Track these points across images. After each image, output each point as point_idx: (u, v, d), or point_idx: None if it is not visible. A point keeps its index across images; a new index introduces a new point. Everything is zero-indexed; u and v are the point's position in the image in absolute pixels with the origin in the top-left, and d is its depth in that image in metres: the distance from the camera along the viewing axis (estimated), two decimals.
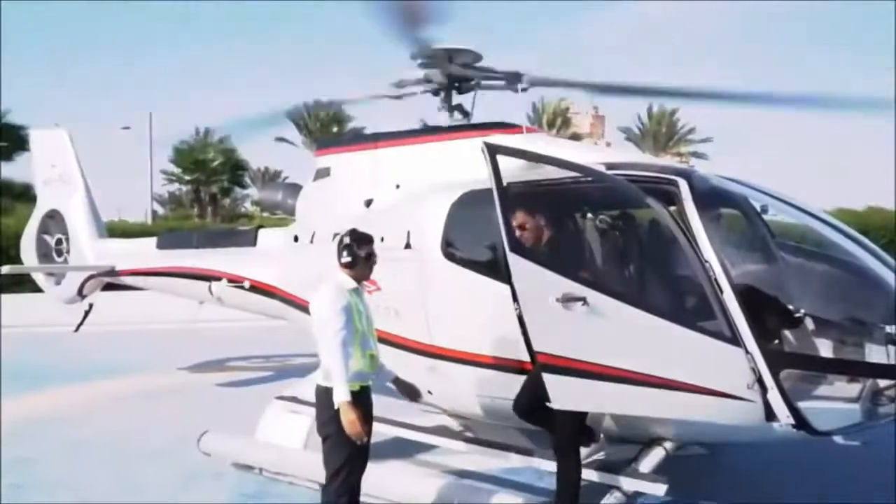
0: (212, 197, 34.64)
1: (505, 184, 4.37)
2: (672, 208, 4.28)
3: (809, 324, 4.22)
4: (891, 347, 3.99)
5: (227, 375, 10.51)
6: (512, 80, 6.18)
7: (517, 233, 3.94)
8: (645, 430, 4.38)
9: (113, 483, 5.81)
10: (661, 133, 47.77)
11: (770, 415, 3.91)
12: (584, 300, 3.59)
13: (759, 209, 4.59)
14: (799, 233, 4.75)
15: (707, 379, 3.81)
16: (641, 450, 4.41)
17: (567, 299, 3.59)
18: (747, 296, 4.01)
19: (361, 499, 4.34)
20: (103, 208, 10.91)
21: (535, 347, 3.56)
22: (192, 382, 10.32)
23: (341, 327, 3.92)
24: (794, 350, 4.18)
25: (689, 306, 4.11)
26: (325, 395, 4.02)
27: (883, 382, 3.97)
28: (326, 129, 34.79)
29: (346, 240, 4.14)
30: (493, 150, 3.87)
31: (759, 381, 3.87)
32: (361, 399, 4.05)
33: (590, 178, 4.33)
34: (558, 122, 46.53)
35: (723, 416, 3.89)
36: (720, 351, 3.84)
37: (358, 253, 4.09)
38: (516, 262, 3.59)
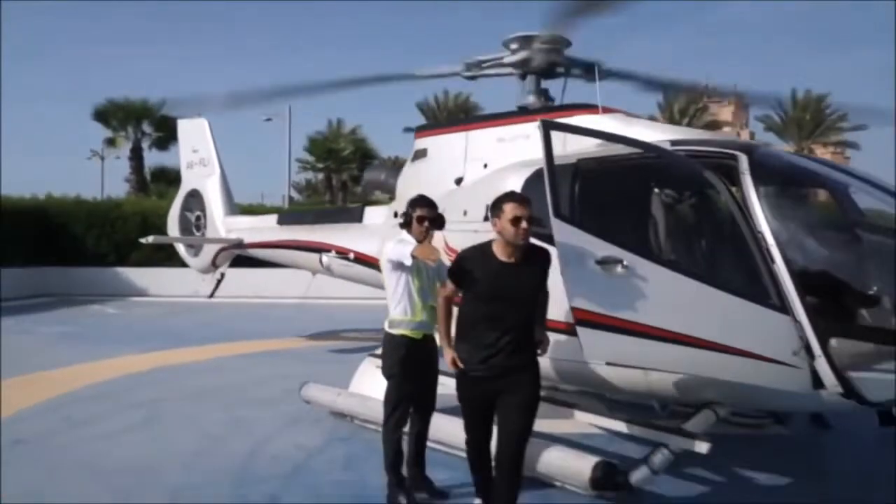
0: (343, 184, 36.42)
1: (575, 160, 4.77)
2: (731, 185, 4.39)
3: (863, 298, 4.20)
4: None
5: (338, 343, 11.38)
6: (590, 70, 6.41)
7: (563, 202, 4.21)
8: (694, 395, 4.53)
9: (227, 422, 6.64)
10: (805, 121, 44.62)
11: (817, 382, 3.97)
12: (622, 262, 3.84)
13: (825, 186, 4.58)
14: (872, 213, 4.67)
15: (748, 342, 3.90)
16: (693, 413, 4.57)
17: (606, 261, 3.85)
18: (800, 268, 4.09)
19: (429, 444, 4.82)
20: (248, 193, 12.16)
21: (572, 304, 3.83)
22: (308, 346, 11.28)
23: (398, 275, 4.44)
24: (846, 321, 4.18)
25: (734, 273, 4.21)
26: (389, 340, 4.52)
27: None
28: (454, 118, 35.55)
29: (406, 204, 4.62)
30: (546, 127, 4.17)
31: (807, 348, 3.95)
32: (424, 347, 4.51)
33: (648, 154, 4.52)
34: (691, 109, 44.71)
35: (765, 380, 3.97)
36: (764, 316, 3.93)
37: (410, 214, 4.54)
38: (559, 226, 3.88)
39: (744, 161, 4.34)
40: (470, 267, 3.90)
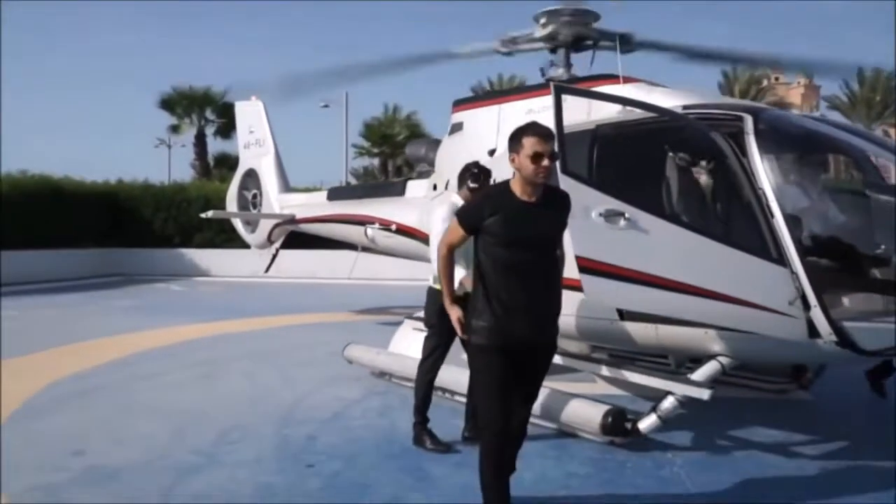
0: (398, 169, 37.05)
1: (594, 126, 5.09)
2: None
3: (860, 253, 4.38)
4: None
5: (386, 317, 11.86)
6: (623, 41, 6.63)
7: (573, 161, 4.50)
8: (700, 346, 4.78)
9: (276, 377, 7.21)
10: (875, 101, 42.94)
11: (813, 332, 4.19)
12: (624, 215, 4.13)
13: (828, 148, 4.76)
14: (881, 176, 4.81)
15: (746, 292, 4.16)
16: (700, 363, 4.83)
17: (609, 214, 4.14)
18: (798, 223, 4.31)
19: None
20: (308, 179, 12.83)
21: (576, 253, 4.13)
22: (357, 319, 11.83)
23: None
24: (843, 273, 4.37)
25: (735, 227, 4.45)
26: (432, 293, 4.97)
27: None
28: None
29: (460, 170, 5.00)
30: (558, 90, 4.47)
31: (803, 298, 4.17)
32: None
33: (658, 117, 4.78)
34: (752, 90, 43.58)
35: (763, 328, 4.21)
36: (762, 267, 4.18)
37: (464, 178, 4.91)
38: (565, 181, 4.18)
39: (749, 122, 4.56)
40: (484, 205, 3.45)
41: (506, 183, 3.50)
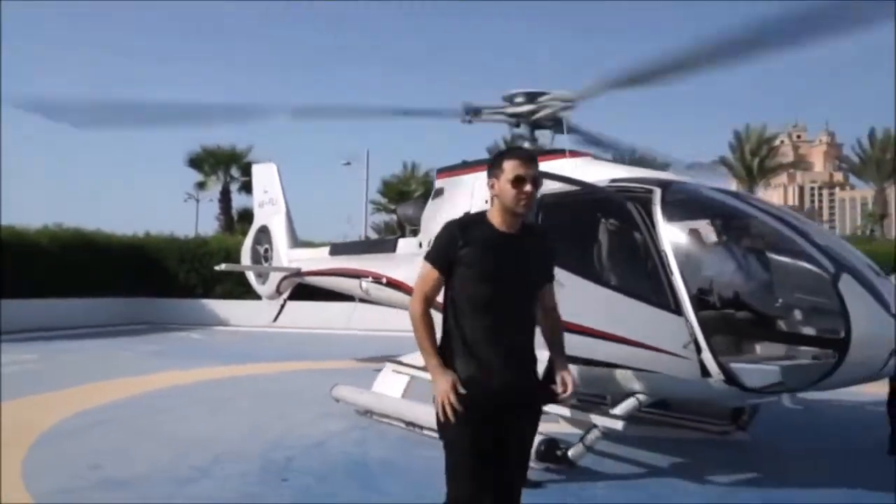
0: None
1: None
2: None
3: (742, 304, 5.25)
4: (808, 328, 4.97)
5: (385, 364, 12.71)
6: (570, 104, 7.64)
7: None
8: (617, 385, 5.61)
9: (273, 413, 8.09)
10: (885, 161, 43.64)
11: (705, 371, 5.02)
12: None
13: (730, 216, 5.67)
14: (766, 239, 5.62)
15: (647, 337, 5.04)
16: (620, 399, 5.64)
17: None
18: (693, 280, 5.19)
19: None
20: (331, 234, 13.93)
21: None
22: (358, 366, 12.67)
23: None
24: (726, 321, 5.22)
25: (640, 283, 5.34)
26: None
27: (801, 353, 4.94)
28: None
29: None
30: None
31: (696, 342, 5.02)
32: None
33: (583, 190, 5.74)
34: (763, 150, 44.57)
35: (662, 368, 5.06)
36: (661, 317, 5.06)
37: None
38: None
39: (657, 194, 5.49)
40: (457, 234, 2.97)
41: (482, 213, 3.13)
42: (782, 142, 47.32)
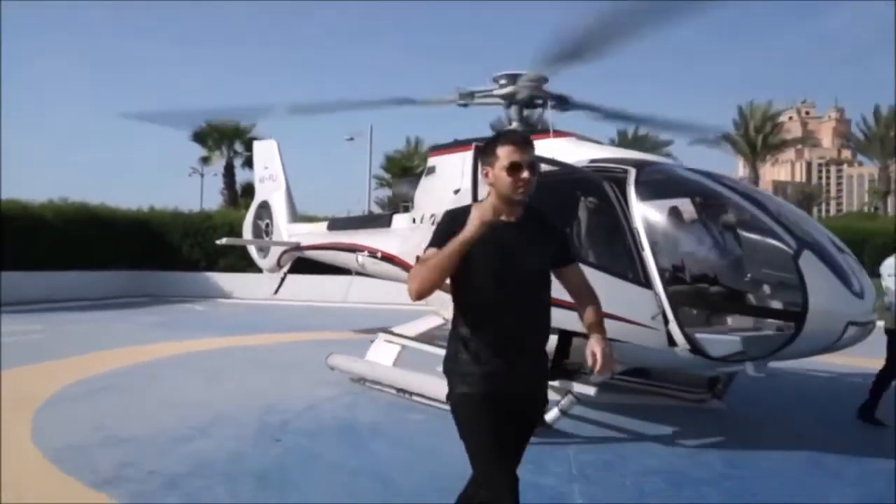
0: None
1: None
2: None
3: (709, 278, 5.53)
4: (773, 302, 5.26)
5: None
6: (560, 102, 7.90)
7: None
8: None
9: (270, 381, 8.44)
10: (889, 137, 43.59)
11: (672, 341, 5.32)
12: None
13: (702, 195, 5.93)
14: (736, 217, 5.88)
15: (621, 310, 5.32)
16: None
17: None
18: (662, 255, 5.47)
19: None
20: (335, 208, 14.25)
21: None
22: (355, 337, 13.01)
23: None
24: (692, 295, 5.51)
25: (613, 258, 5.62)
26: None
27: (761, 325, 5.24)
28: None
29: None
30: (476, 150, 5.70)
31: (664, 314, 5.31)
32: None
33: (562, 170, 5.99)
34: (767, 126, 44.54)
35: (631, 338, 5.36)
36: (631, 290, 5.35)
37: None
38: None
39: (632, 174, 5.74)
40: (455, 224, 2.72)
41: (480, 203, 2.84)
42: (790, 118, 47.24)
